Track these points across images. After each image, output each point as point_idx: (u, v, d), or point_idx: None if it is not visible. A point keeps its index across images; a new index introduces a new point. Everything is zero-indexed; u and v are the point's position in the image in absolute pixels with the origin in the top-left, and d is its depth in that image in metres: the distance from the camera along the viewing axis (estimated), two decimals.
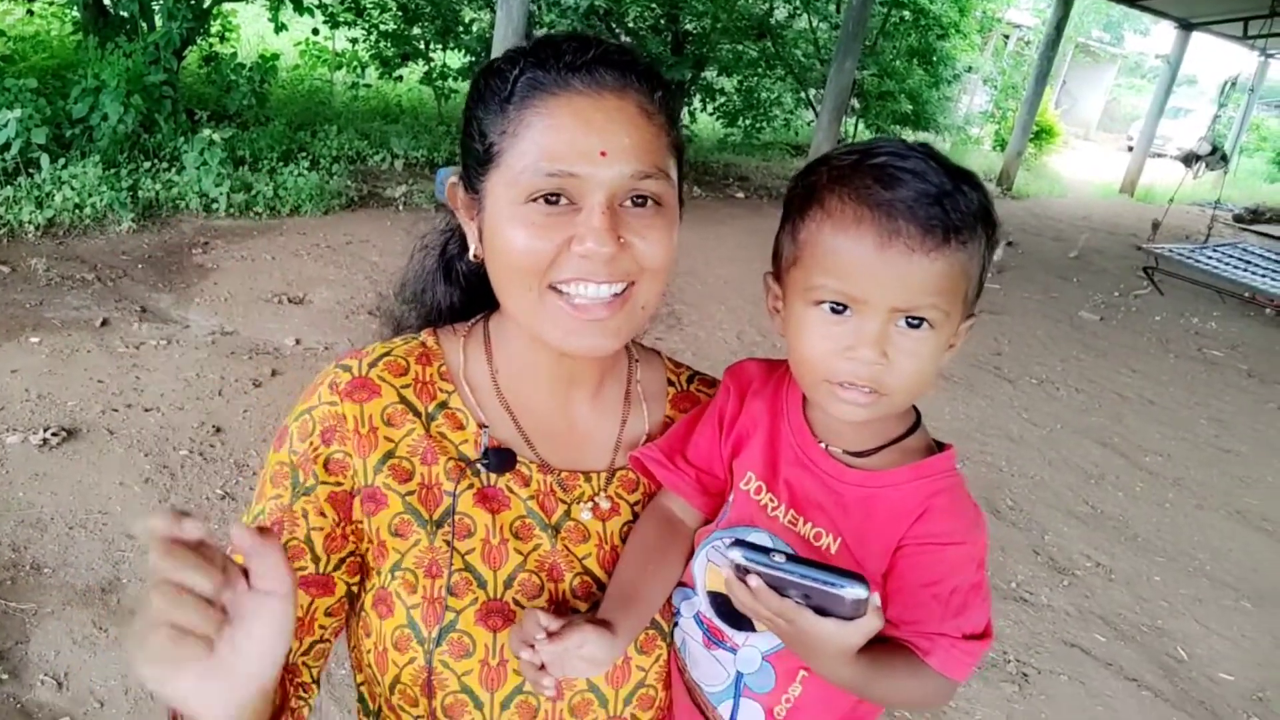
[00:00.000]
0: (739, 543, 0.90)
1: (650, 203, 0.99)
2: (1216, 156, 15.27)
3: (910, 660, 0.97)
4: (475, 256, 1.08)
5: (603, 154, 0.95)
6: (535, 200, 0.96)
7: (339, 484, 1.03)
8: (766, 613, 0.91)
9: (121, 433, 3.99)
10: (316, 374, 1.09)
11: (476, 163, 1.02)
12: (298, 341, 5.21)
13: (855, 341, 0.94)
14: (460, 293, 1.21)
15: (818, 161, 1.00)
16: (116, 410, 4.17)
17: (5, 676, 2.69)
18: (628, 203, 0.98)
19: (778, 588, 0.89)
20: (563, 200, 0.96)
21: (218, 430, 4.15)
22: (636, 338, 1.26)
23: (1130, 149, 21.08)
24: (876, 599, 0.87)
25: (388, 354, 1.09)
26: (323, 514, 1.03)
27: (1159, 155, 22.83)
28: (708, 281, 7.51)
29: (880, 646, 0.97)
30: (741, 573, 0.90)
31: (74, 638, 2.87)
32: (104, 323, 5.02)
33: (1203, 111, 26.65)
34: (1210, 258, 9.90)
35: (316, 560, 1.04)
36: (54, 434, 3.85)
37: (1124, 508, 4.97)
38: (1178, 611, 4.06)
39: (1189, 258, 9.85)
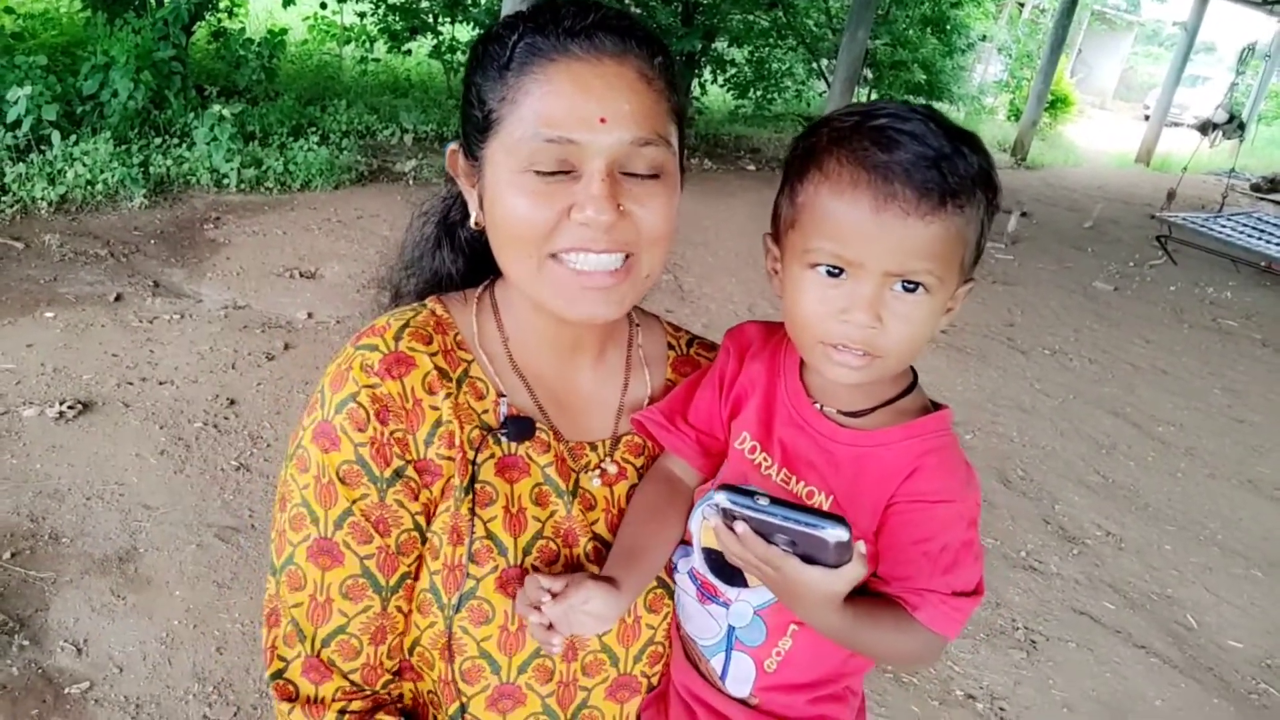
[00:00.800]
0: (725, 487, 0.92)
1: (650, 169, 0.99)
2: (1234, 125, 15.11)
3: (899, 615, 0.98)
4: (476, 224, 1.08)
5: (602, 120, 0.94)
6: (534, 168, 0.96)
7: (411, 459, 1.03)
8: (754, 559, 0.92)
9: (136, 405, 4.03)
10: (333, 354, 1.06)
11: (476, 130, 1.02)
12: (310, 315, 5.24)
13: (850, 304, 0.94)
14: (464, 260, 1.21)
15: (818, 123, 1.00)
16: (131, 383, 4.20)
17: (26, 643, 2.74)
18: (628, 169, 0.97)
19: (764, 534, 0.90)
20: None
21: (232, 403, 4.18)
22: (637, 303, 1.28)
23: (1147, 118, 20.85)
24: (862, 546, 0.89)
25: (406, 325, 1.07)
26: (416, 496, 1.03)
27: (1176, 124, 22.57)
28: (719, 254, 7.49)
29: (870, 600, 0.99)
30: (729, 519, 0.92)
31: (92, 605, 2.92)
32: (118, 297, 5.05)
33: (1220, 79, 26.28)
34: (1224, 226, 9.81)
35: (424, 542, 1.05)
36: (70, 407, 3.89)
37: (1135, 477, 4.97)
38: (1188, 580, 4.06)
39: (1203, 226, 9.75)
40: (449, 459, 1.04)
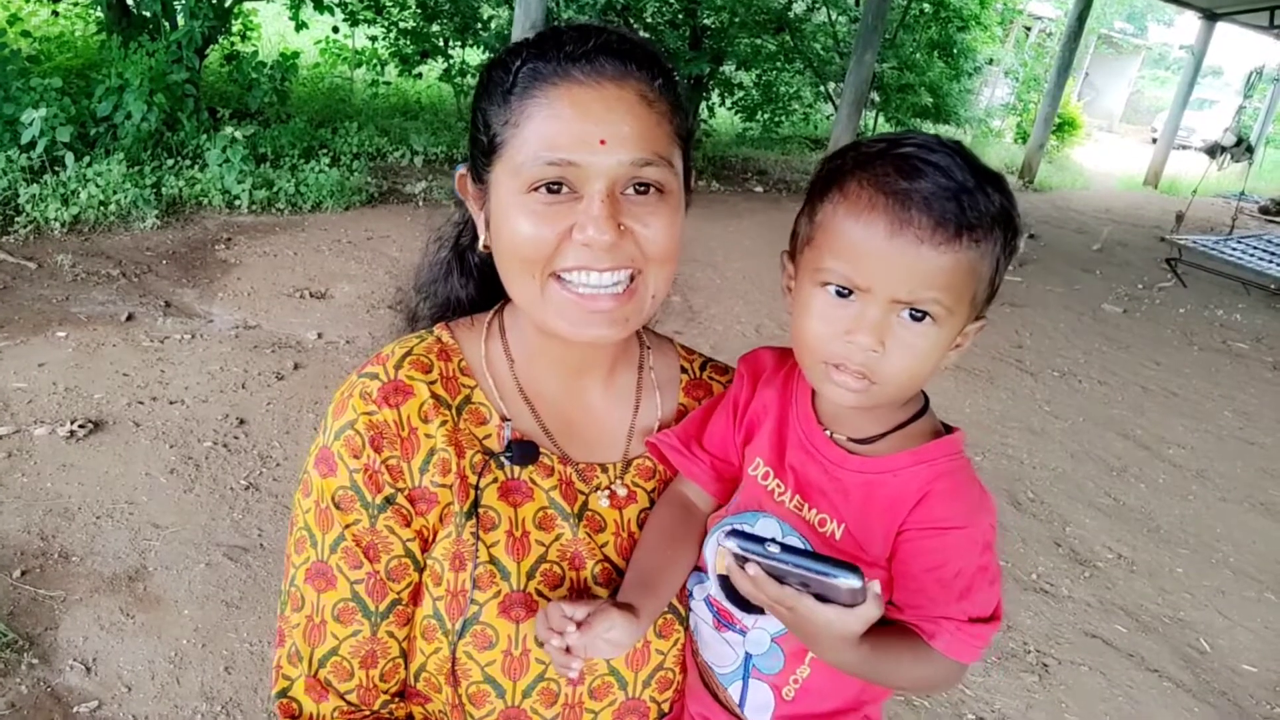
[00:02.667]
0: (735, 533, 0.91)
1: (652, 190, 0.99)
2: (1242, 148, 15.15)
3: (916, 644, 0.98)
4: (484, 246, 1.09)
5: (602, 142, 0.95)
6: (537, 189, 0.97)
7: (403, 487, 1.04)
8: (767, 600, 0.92)
9: (147, 425, 4.05)
10: (342, 374, 1.09)
11: (482, 153, 1.04)
12: (319, 335, 5.26)
13: (854, 326, 0.94)
14: (475, 285, 1.23)
15: (847, 147, 1.00)
16: (142, 403, 4.22)
17: (36, 661, 2.73)
18: (630, 190, 0.98)
19: (778, 576, 0.90)
20: (564, 189, 0.97)
21: (241, 422, 4.19)
22: (649, 325, 1.27)
23: (1154, 141, 20.88)
24: (876, 586, 0.88)
25: (409, 353, 1.09)
26: (408, 523, 1.04)
27: (1184, 147, 22.58)
28: (726, 275, 7.51)
29: (885, 630, 0.98)
30: (742, 561, 0.91)
31: (101, 624, 2.92)
32: (129, 317, 5.08)
33: (1228, 103, 26.34)
34: (1235, 249, 9.80)
35: (421, 569, 1.06)
36: (81, 426, 3.90)
37: (1146, 500, 4.94)
38: (1200, 603, 4.03)
39: (1213, 249, 9.76)
40: (445, 486, 1.04)
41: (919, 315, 0.93)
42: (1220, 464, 5.55)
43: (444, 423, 1.06)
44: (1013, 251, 0.96)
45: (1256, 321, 8.99)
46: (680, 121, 1.04)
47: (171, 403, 4.26)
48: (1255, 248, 10.00)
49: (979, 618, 0.98)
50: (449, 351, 1.12)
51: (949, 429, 1.06)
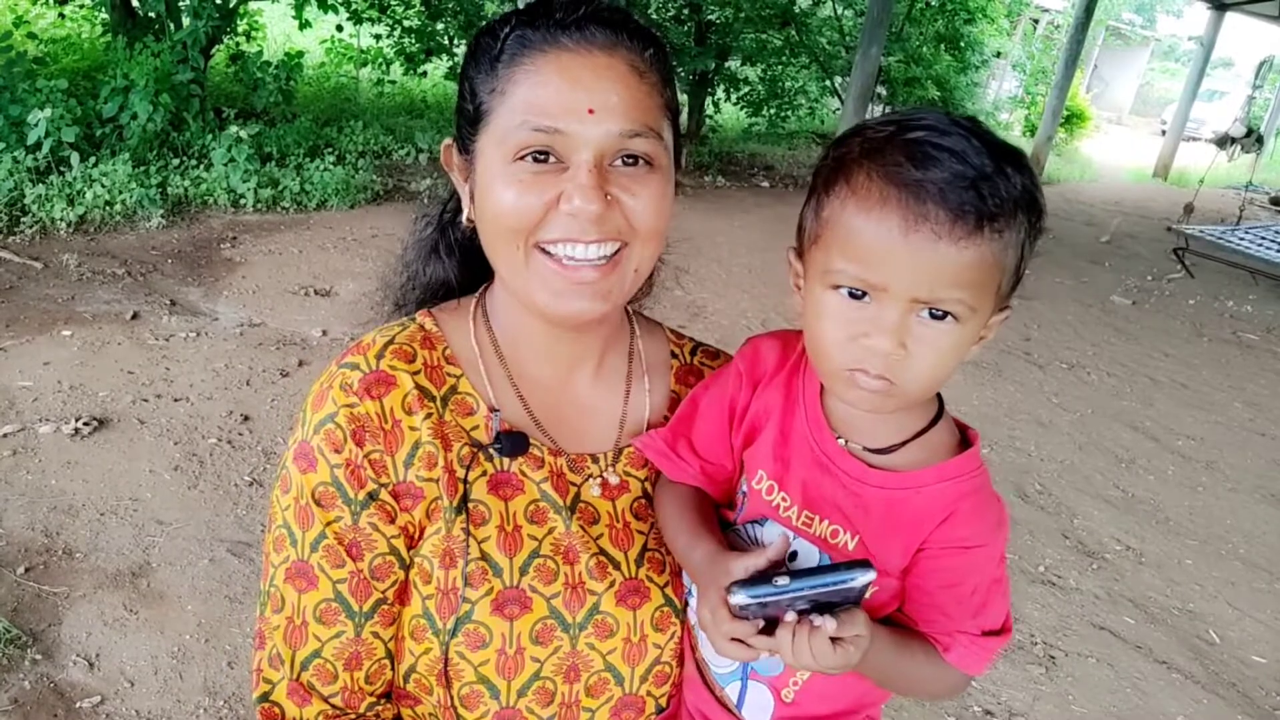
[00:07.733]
0: (739, 584, 0.88)
1: (641, 162, 0.97)
2: (1251, 139, 15.04)
3: (931, 653, 0.97)
4: (468, 220, 1.07)
5: (590, 111, 0.94)
6: (523, 158, 0.96)
7: (387, 483, 1.00)
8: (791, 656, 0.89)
9: (151, 422, 4.05)
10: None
11: (468, 123, 1.02)
12: (324, 333, 5.26)
13: (871, 330, 0.88)
14: (457, 264, 1.19)
15: (852, 130, 0.93)
16: (147, 400, 4.23)
17: (39, 657, 2.74)
18: (618, 162, 0.97)
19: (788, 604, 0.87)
20: (551, 158, 0.95)
21: (246, 419, 4.20)
22: (638, 308, 1.25)
23: (1164, 133, 20.75)
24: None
25: (390, 342, 1.05)
26: (392, 520, 1.01)
27: (1193, 139, 22.45)
28: (732, 270, 7.49)
29: (904, 635, 0.97)
30: (761, 608, 0.88)
31: (105, 620, 2.92)
32: (134, 316, 5.09)
33: (1238, 94, 26.15)
34: (1243, 239, 9.73)
35: (406, 566, 1.02)
36: (85, 423, 3.91)
37: (1155, 491, 4.90)
38: (1209, 595, 4.00)
39: (1221, 239, 9.68)
40: (431, 481, 1.01)
41: (939, 314, 0.87)
42: (1230, 455, 5.50)
43: (429, 415, 1.02)
44: (1039, 234, 0.90)
45: (1267, 312, 8.92)
46: (669, 95, 1.02)
47: (176, 400, 4.27)
48: (1264, 238, 9.91)
49: (991, 630, 0.97)
50: (433, 339, 1.08)
51: (964, 430, 1.01)
